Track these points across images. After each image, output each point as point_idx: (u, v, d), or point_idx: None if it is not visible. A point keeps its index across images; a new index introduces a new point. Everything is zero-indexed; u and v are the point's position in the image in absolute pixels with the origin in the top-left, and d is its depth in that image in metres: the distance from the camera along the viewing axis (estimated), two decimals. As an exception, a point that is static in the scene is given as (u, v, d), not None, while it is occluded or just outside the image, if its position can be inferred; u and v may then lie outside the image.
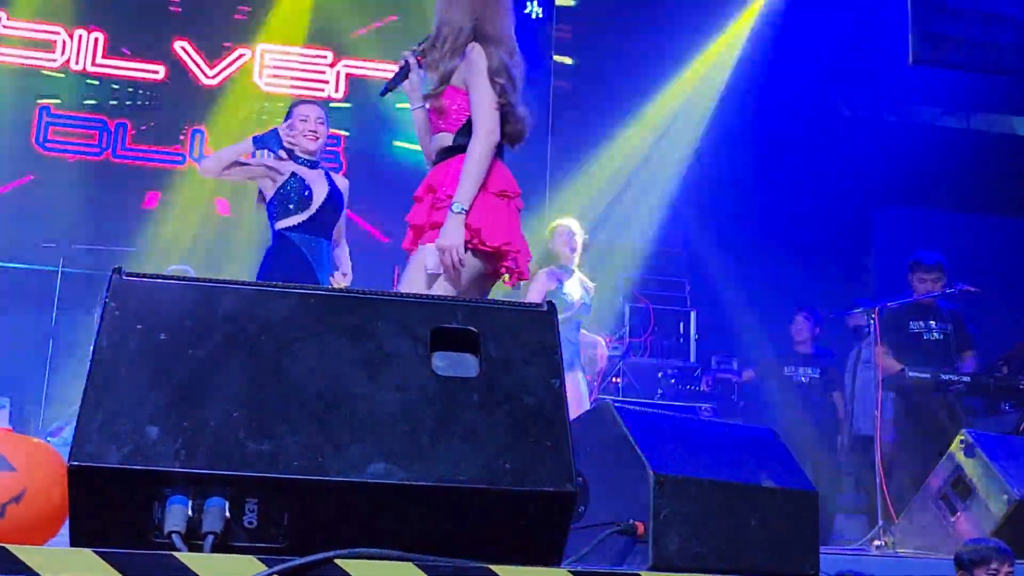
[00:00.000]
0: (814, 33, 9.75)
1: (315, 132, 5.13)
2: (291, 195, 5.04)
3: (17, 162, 9.35)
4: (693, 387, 8.25)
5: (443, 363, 2.17)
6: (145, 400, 1.98)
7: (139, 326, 2.06)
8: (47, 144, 9.48)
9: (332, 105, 9.93)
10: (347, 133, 9.92)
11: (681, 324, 8.85)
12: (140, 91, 9.74)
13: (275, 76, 9.98)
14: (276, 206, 5.07)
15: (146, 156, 9.59)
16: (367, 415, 2.06)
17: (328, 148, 9.82)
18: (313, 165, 5.17)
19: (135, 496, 1.92)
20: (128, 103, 9.70)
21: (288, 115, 5.25)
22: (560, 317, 5.90)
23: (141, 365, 2.02)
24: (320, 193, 5.10)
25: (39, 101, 9.53)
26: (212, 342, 2.07)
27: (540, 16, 10.34)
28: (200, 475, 1.92)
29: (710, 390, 8.33)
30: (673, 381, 8.22)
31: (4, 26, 9.50)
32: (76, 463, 1.88)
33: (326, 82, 10.04)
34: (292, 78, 10.02)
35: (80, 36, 9.62)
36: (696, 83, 10.23)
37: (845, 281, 9.63)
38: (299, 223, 5.05)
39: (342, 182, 5.32)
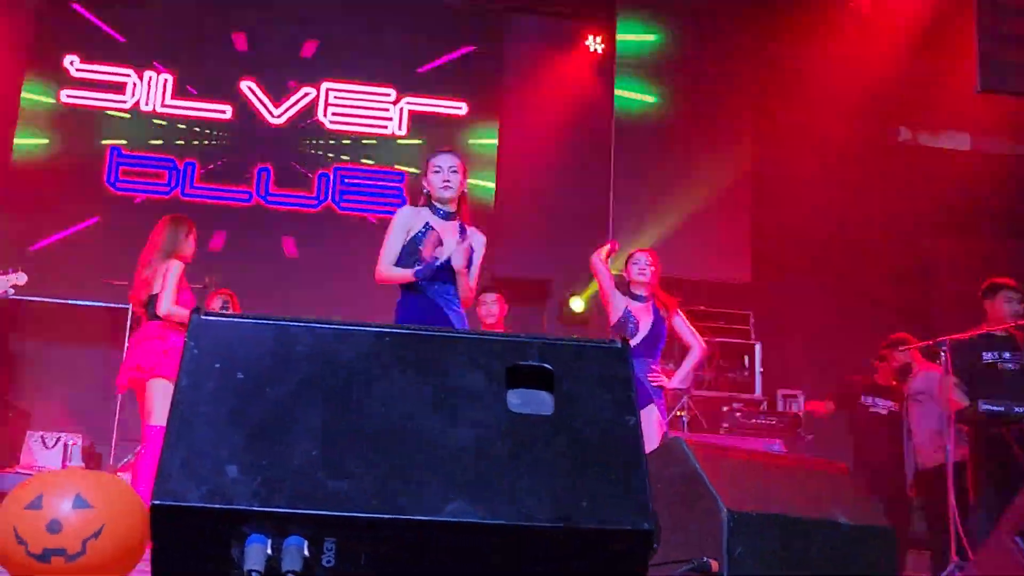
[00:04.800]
0: (877, 59, 9.69)
1: (448, 182, 5.05)
2: (419, 245, 5.04)
3: (88, 202, 9.55)
4: (759, 420, 8.15)
5: (518, 400, 2.17)
6: (224, 439, 2.00)
7: (217, 365, 2.09)
8: (117, 184, 9.67)
9: (398, 142, 10.07)
10: (410, 169, 10.00)
11: (746, 357, 8.77)
12: (208, 130, 9.92)
13: (339, 114, 10.10)
14: (406, 256, 5.05)
15: (214, 194, 9.74)
16: (443, 453, 2.06)
17: (392, 184, 9.98)
18: (448, 215, 5.10)
19: (215, 535, 1.94)
20: (196, 142, 9.88)
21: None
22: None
23: (220, 404, 2.04)
24: (450, 245, 5.03)
25: (109, 142, 9.73)
26: (289, 381, 2.09)
27: (601, 50, 10.39)
28: (279, 514, 1.94)
29: (777, 423, 8.22)
30: (739, 415, 8.14)
31: (77, 69, 9.74)
32: (158, 501, 1.90)
33: (389, 119, 10.15)
34: (356, 115, 10.14)
35: (150, 78, 9.85)
36: (756, 113, 10.20)
37: (906, 313, 9.50)
38: (432, 271, 4.99)
39: (476, 237, 5.17)
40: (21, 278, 6.34)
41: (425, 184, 5.11)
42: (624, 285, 6.43)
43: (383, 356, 2.16)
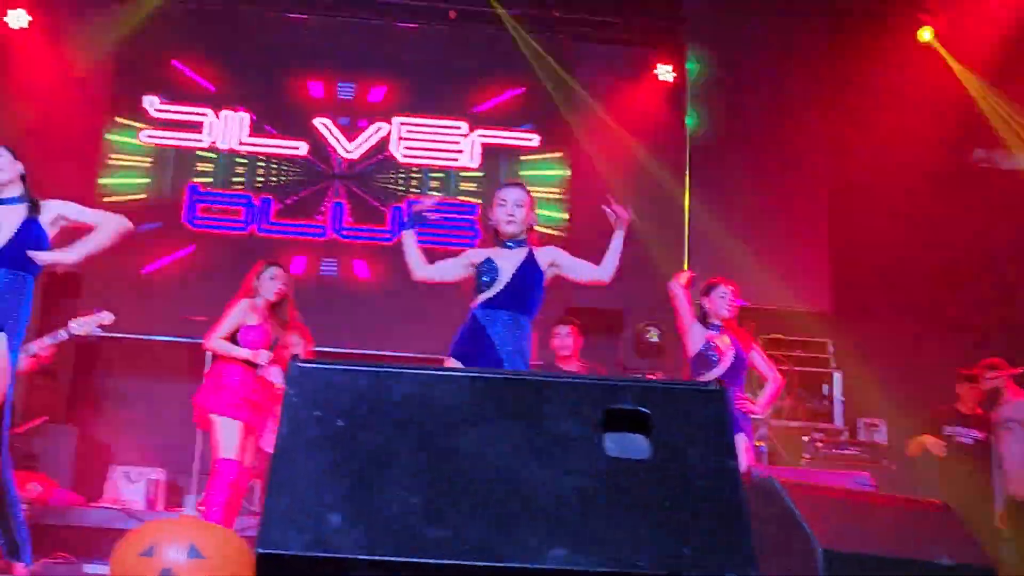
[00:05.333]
0: (951, 80, 9.58)
1: (512, 215, 5.08)
2: (483, 276, 5.07)
3: (168, 239, 9.72)
4: (841, 451, 8.02)
5: (615, 445, 2.16)
6: (326, 487, 2.01)
7: (316, 413, 2.10)
8: (196, 221, 9.84)
9: (466, 174, 10.13)
10: (482, 202, 10.05)
11: (825, 386, 8.65)
12: (283, 167, 10.06)
13: (411, 147, 10.19)
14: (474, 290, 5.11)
15: (289, 230, 9.87)
16: (543, 500, 2.05)
17: (465, 216, 10.02)
18: (516, 245, 5.11)
19: (319, 583, 1.94)
20: (272, 179, 10.02)
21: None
22: (706, 376, 5.80)
23: (320, 452, 2.05)
24: (507, 273, 5.05)
25: (188, 180, 9.92)
26: (387, 428, 2.10)
27: (671, 78, 10.35)
28: (382, 562, 1.94)
29: (860, 453, 8.07)
30: (820, 445, 8.02)
31: (157, 109, 9.96)
32: (262, 550, 1.92)
33: (461, 151, 10.21)
34: (428, 149, 10.22)
35: (227, 116, 10.02)
36: (832, 139, 10.10)
37: (988, 340, 9.30)
38: (484, 300, 5.05)
39: (544, 256, 5.16)
40: (107, 318, 6.49)
41: (491, 216, 5.16)
42: (701, 315, 6.39)
43: (479, 401, 2.15)
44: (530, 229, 5.18)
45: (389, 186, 10.12)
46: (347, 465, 2.04)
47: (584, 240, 9.96)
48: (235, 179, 10.00)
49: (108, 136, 9.90)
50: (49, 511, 7.18)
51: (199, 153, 10.01)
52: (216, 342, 6.06)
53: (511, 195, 5.14)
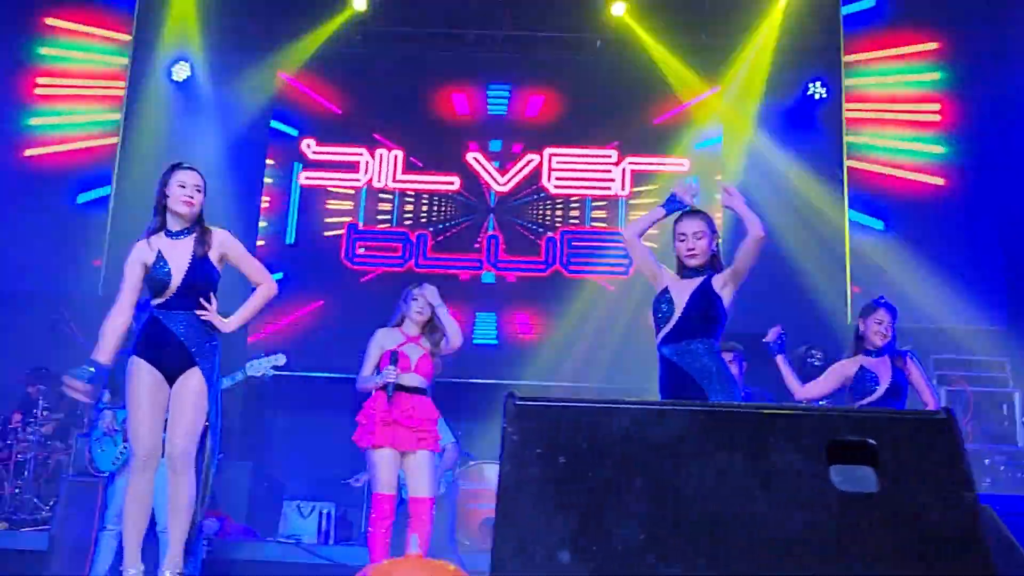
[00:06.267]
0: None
1: (693, 249, 4.94)
2: (659, 309, 4.99)
3: (328, 278, 9.97)
4: (1026, 474, 7.69)
5: (840, 477, 2.10)
6: (553, 525, 2.00)
7: (538, 451, 2.10)
8: (355, 259, 10.06)
9: (622, 202, 10.11)
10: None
11: (1004, 406, 8.30)
12: (437, 202, 10.21)
13: (563, 178, 10.24)
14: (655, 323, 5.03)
15: (446, 264, 10.00)
16: (771, 534, 2.00)
17: (619, 245, 10.00)
18: (693, 274, 4.99)
19: (551, 621, 1.94)
20: (426, 215, 10.18)
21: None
22: (863, 402, 5.59)
23: (545, 490, 2.05)
24: (680, 302, 4.94)
25: (346, 220, 10.15)
26: (610, 463, 2.09)
27: (824, 96, 10.15)
28: (614, 600, 1.92)
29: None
30: (1003, 468, 7.70)
31: (314, 152, 10.24)
32: (496, 590, 1.92)
33: (612, 180, 10.21)
34: (579, 179, 10.25)
35: (380, 155, 10.24)
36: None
37: None
38: (664, 335, 4.95)
39: (716, 279, 4.98)
40: (280, 359, 6.66)
41: (676, 250, 5.07)
42: (856, 337, 6.21)
43: (699, 436, 2.12)
44: (714, 256, 5.07)
45: (542, 217, 10.16)
46: (572, 502, 2.04)
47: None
48: (391, 216, 10.19)
49: (267, 179, 10.21)
50: (227, 546, 7.38)
51: (356, 192, 10.23)
52: (358, 380, 6.09)
53: (689, 227, 5.00)
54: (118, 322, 4.85)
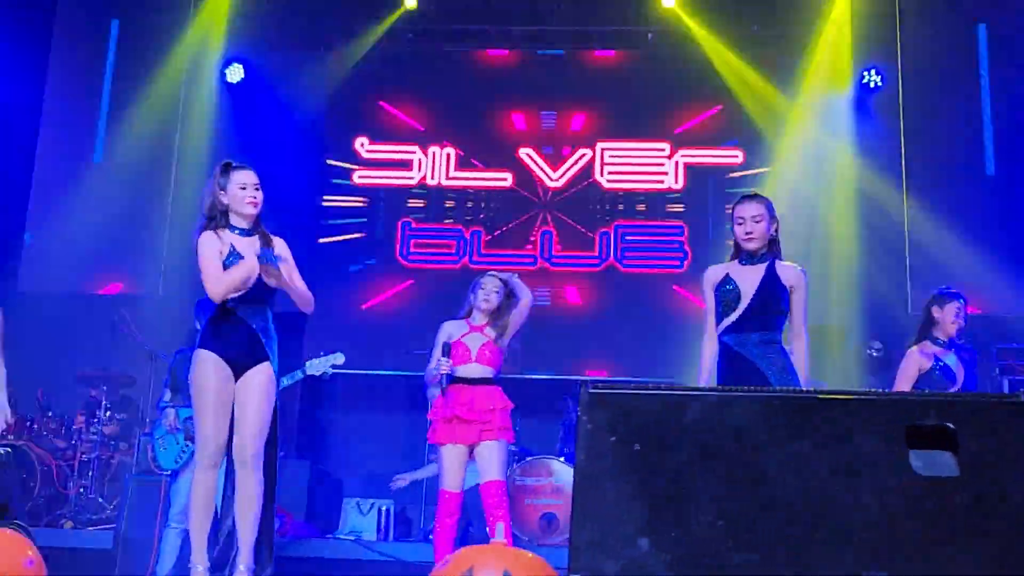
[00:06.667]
0: None
1: (751, 233, 4.89)
2: (724, 297, 4.94)
3: (385, 275, 10.01)
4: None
5: (920, 462, 2.08)
6: (630, 512, 2.00)
7: (612, 438, 2.10)
8: (410, 256, 10.10)
9: (675, 195, 10.07)
10: (687, 223, 9.99)
11: (1081, 394, 8.13)
12: (490, 199, 10.23)
13: (615, 172, 10.20)
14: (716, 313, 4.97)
15: (500, 260, 9.99)
16: (852, 520, 1.99)
17: (673, 238, 9.96)
18: (755, 261, 4.93)
19: (629, 609, 1.94)
20: (480, 211, 10.20)
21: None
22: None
23: (621, 477, 2.05)
24: (749, 291, 4.88)
25: (400, 218, 10.20)
26: (684, 450, 2.08)
27: (879, 85, 10.01)
28: (693, 587, 1.92)
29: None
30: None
31: (368, 151, 10.30)
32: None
33: (665, 173, 10.15)
34: (632, 172, 10.21)
35: (434, 153, 10.28)
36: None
37: None
38: (730, 323, 4.90)
39: (787, 271, 4.92)
40: (339, 358, 6.69)
41: (733, 233, 5.02)
42: (924, 326, 6.12)
43: (775, 422, 2.11)
44: (773, 241, 5.00)
45: (596, 212, 10.14)
46: (648, 490, 2.03)
47: (790, 255, 9.72)
48: (445, 213, 10.23)
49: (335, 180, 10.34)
50: (288, 544, 7.43)
51: (409, 190, 10.27)
52: (425, 375, 6.04)
53: (748, 211, 4.93)
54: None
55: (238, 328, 4.78)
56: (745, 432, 2.09)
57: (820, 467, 2.05)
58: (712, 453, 2.07)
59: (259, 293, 4.82)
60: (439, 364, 5.76)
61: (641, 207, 10.17)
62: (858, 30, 10.01)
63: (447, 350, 5.82)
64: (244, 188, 4.87)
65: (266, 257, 4.69)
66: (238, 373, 4.79)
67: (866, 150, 9.90)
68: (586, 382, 2.18)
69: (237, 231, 4.90)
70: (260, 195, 4.91)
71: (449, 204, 10.27)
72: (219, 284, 4.76)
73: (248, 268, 4.74)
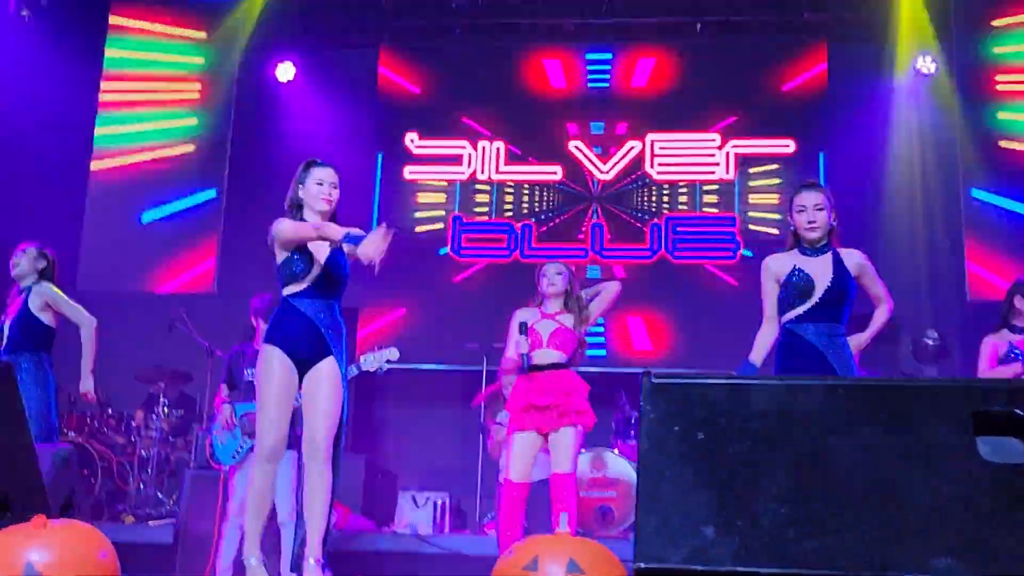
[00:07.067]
0: None
1: (814, 222, 4.89)
2: (796, 287, 4.90)
3: (436, 271, 10.05)
4: None
5: (989, 449, 2.06)
6: (695, 500, 2.00)
7: (676, 427, 2.10)
8: (461, 251, 10.12)
9: (727, 186, 10.00)
10: (739, 214, 9.92)
11: None
12: (541, 192, 10.22)
13: (666, 163, 10.16)
14: (782, 302, 4.97)
15: (551, 254, 9.97)
16: (920, 507, 1.97)
17: (725, 229, 9.90)
18: (818, 252, 4.94)
19: (696, 597, 1.94)
20: (531, 205, 10.20)
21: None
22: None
23: (685, 465, 2.05)
24: (823, 281, 4.88)
25: (451, 212, 10.23)
26: (749, 439, 2.08)
27: (933, 71, 9.88)
28: (760, 574, 1.91)
29: None
30: None
31: (417, 146, 10.34)
32: (642, 564, 1.93)
33: (716, 164, 10.09)
34: (683, 164, 10.16)
35: (483, 148, 10.29)
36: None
37: None
38: (802, 313, 4.89)
39: (850, 258, 4.96)
40: (394, 354, 6.70)
41: (792, 222, 5.00)
42: (1005, 315, 6.03)
43: (841, 409, 2.10)
44: (832, 231, 4.98)
45: (646, 204, 10.10)
46: (713, 478, 2.03)
47: (847, 243, 9.62)
48: (496, 207, 10.23)
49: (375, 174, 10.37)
50: (345, 538, 7.49)
51: (459, 185, 10.30)
52: (502, 363, 6.11)
53: (809, 200, 4.93)
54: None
55: (302, 323, 4.81)
56: (811, 419, 2.09)
57: (887, 454, 2.04)
58: (777, 441, 2.07)
59: (321, 290, 4.86)
60: (518, 344, 5.78)
61: (683, 198, 10.09)
62: (910, 16, 9.89)
63: (524, 328, 5.84)
64: (320, 184, 4.92)
65: (351, 240, 4.69)
66: (303, 369, 4.82)
67: (920, 137, 9.78)
68: (649, 372, 2.18)
69: None
70: (336, 193, 4.95)
71: (499, 198, 10.27)
72: (295, 226, 4.81)
73: (331, 232, 4.72)
